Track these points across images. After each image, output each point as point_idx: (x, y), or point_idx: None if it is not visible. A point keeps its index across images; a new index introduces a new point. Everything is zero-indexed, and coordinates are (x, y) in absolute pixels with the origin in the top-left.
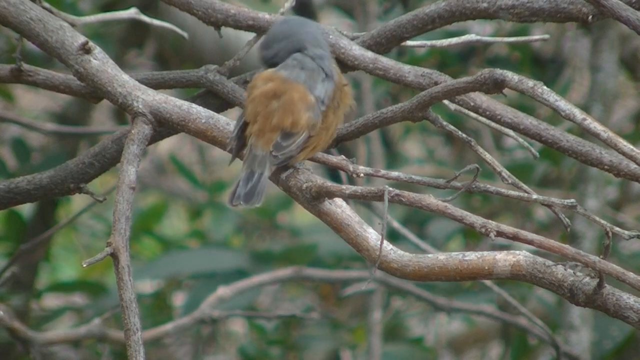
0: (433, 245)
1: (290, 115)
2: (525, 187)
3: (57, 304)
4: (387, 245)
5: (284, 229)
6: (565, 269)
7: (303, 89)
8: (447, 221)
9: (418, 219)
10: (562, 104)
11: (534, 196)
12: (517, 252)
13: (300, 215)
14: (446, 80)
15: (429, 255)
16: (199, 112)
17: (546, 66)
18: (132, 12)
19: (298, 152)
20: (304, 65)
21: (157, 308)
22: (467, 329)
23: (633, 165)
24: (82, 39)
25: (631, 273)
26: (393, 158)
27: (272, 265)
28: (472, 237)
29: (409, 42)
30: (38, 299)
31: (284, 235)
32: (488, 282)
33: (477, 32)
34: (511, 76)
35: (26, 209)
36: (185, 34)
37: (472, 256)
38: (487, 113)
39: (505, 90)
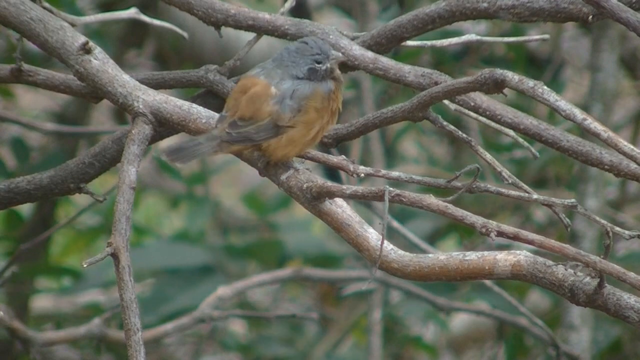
0: (415, 245)
1: (252, 105)
2: (525, 186)
3: (52, 305)
4: (388, 245)
5: (270, 226)
6: (565, 269)
7: (265, 84)
8: (426, 221)
9: (399, 219)
10: (563, 104)
11: (534, 196)
12: (518, 252)
13: (300, 214)
14: (446, 80)
15: (430, 256)
16: (200, 112)
17: (542, 66)
18: (132, 12)
19: (260, 136)
20: (265, 67)
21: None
22: (467, 329)
23: (633, 165)
24: (82, 39)
25: (632, 273)
26: (390, 157)
27: (240, 261)
28: (468, 236)
29: (409, 42)
30: (31, 277)
31: (268, 232)
32: (488, 283)
33: (472, 31)
34: (511, 76)
35: (26, 209)
36: (185, 34)
37: (472, 256)
38: (487, 113)
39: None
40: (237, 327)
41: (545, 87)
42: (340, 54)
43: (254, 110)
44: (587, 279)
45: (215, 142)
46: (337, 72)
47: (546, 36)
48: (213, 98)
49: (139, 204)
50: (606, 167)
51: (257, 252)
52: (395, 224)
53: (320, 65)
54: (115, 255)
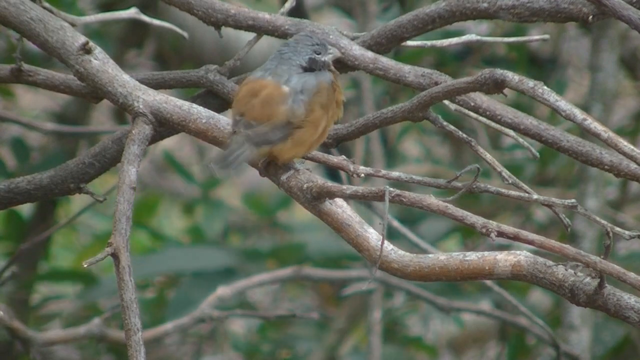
0: (416, 245)
1: (267, 108)
2: (525, 187)
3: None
4: (388, 246)
5: (281, 228)
6: (566, 269)
7: (275, 84)
8: (439, 221)
9: (411, 219)
10: (563, 104)
11: (535, 196)
12: (518, 252)
13: (300, 214)
14: (446, 81)
15: (430, 256)
16: (200, 112)
17: (543, 66)
18: (132, 12)
19: (276, 136)
20: (268, 67)
21: (155, 304)
22: (467, 329)
23: (633, 165)
24: (82, 39)
25: (632, 273)
26: (391, 157)
27: (261, 263)
28: (469, 236)
29: (409, 42)
30: (31, 288)
31: (283, 234)
32: (488, 282)
33: (473, 31)
34: (511, 76)
35: (26, 209)
36: (185, 34)
37: (472, 256)
38: (488, 113)
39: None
40: (237, 327)
41: (545, 87)
42: (337, 50)
43: (269, 113)
44: (588, 279)
45: (248, 145)
46: (331, 66)
47: (546, 36)
48: (213, 98)
49: (155, 210)
50: (606, 167)
51: (279, 254)
52: (396, 223)
53: (319, 56)
54: (115, 255)
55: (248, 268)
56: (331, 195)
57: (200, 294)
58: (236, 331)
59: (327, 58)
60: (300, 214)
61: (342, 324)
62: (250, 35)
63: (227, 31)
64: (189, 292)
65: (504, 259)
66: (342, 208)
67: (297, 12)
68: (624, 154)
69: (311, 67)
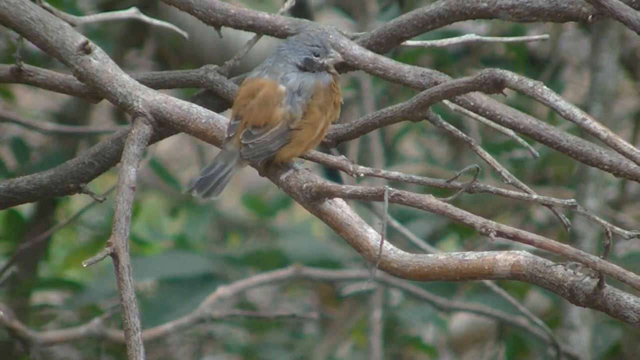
0: (415, 245)
1: (264, 109)
2: (525, 187)
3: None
4: (387, 245)
5: (272, 231)
6: (565, 269)
7: (271, 83)
8: (428, 222)
9: (401, 219)
10: (562, 104)
11: (534, 196)
12: (517, 252)
13: (300, 215)
14: (446, 80)
15: (429, 255)
16: (199, 112)
17: (542, 66)
18: (132, 12)
19: (276, 145)
20: (265, 66)
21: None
22: (467, 329)
23: (633, 165)
24: (82, 39)
25: (631, 273)
26: (391, 157)
27: (241, 269)
28: (468, 236)
29: (409, 42)
30: (27, 296)
31: (275, 237)
32: (488, 282)
33: (471, 31)
34: (511, 76)
35: (26, 209)
36: (185, 34)
37: (472, 256)
38: (487, 113)
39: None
40: (238, 331)
41: (544, 87)
42: (339, 55)
43: (267, 115)
44: (587, 279)
45: (236, 160)
46: (332, 69)
47: (546, 36)
48: (213, 98)
49: (139, 213)
50: (606, 167)
51: (258, 259)
52: (395, 223)
53: (317, 58)
54: (114, 255)
55: (228, 273)
56: (330, 195)
57: (179, 300)
58: (237, 334)
59: (327, 61)
60: (300, 214)
61: (342, 324)
62: (250, 35)
63: (227, 31)
64: (167, 298)
65: (504, 258)
66: (341, 208)
67: (301, 12)
68: (623, 153)
69: (305, 67)
